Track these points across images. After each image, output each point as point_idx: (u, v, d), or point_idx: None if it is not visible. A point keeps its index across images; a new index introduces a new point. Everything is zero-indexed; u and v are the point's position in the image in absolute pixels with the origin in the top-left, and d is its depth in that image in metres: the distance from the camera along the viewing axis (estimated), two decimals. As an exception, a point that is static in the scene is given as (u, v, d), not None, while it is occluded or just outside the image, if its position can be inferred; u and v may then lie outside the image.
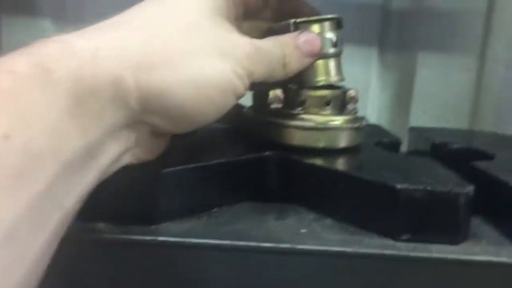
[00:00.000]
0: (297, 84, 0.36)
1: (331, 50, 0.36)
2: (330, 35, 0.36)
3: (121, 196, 0.29)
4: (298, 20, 0.35)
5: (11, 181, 0.20)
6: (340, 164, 0.34)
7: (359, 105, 0.36)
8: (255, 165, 0.34)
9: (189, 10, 0.29)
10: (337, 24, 0.36)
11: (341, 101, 0.37)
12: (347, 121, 0.36)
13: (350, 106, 0.37)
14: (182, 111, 0.27)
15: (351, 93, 0.37)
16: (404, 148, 0.49)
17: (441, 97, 0.67)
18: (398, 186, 0.29)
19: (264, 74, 0.31)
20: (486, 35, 0.65)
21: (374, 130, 0.45)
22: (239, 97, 0.30)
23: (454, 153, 0.42)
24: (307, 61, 0.34)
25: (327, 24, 0.36)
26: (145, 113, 0.26)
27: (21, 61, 0.22)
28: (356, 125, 0.36)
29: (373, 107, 0.70)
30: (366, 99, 0.69)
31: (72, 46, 0.24)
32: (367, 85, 0.69)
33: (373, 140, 0.41)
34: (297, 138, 0.35)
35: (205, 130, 0.39)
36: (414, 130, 0.48)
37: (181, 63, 0.27)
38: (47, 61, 0.22)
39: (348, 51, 0.65)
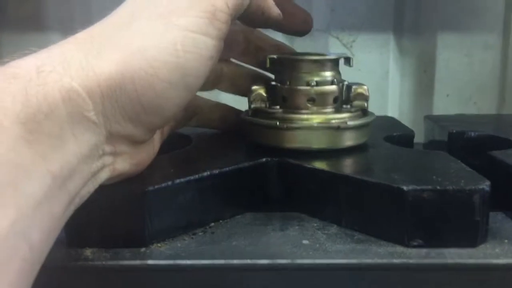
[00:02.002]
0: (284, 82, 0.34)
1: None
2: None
3: (106, 218, 0.27)
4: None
5: None
6: (344, 166, 0.32)
7: (378, 94, 0.34)
8: (253, 173, 0.32)
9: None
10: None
11: (344, 97, 0.35)
12: (350, 118, 0.34)
13: (356, 103, 0.34)
14: (140, 107, 0.24)
15: (358, 89, 0.34)
16: (421, 138, 0.46)
17: (465, 78, 0.65)
18: (405, 187, 0.27)
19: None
20: (508, 11, 0.63)
21: (386, 123, 0.42)
22: (212, 55, 0.25)
23: (472, 142, 0.39)
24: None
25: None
26: (108, 123, 0.24)
27: None
28: (361, 121, 0.34)
29: (394, 95, 0.68)
30: (386, 87, 0.67)
31: (15, 69, 0.22)
32: (385, 72, 0.66)
33: (383, 135, 0.38)
34: (297, 140, 0.33)
35: (200, 138, 0.37)
36: (429, 119, 0.45)
37: (125, 53, 0.24)
38: None
39: (363, 39, 0.66)
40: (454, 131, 0.39)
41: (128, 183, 0.27)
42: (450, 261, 0.26)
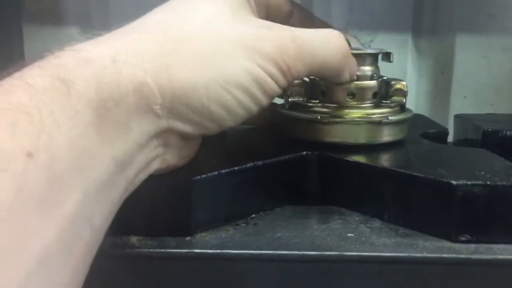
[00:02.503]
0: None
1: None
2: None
3: (153, 207, 0.27)
4: None
5: (38, 204, 0.18)
6: (386, 160, 0.32)
7: None
8: (293, 166, 0.32)
9: (207, 9, 0.26)
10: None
11: (383, 92, 0.35)
12: (390, 114, 0.33)
13: (395, 98, 0.34)
14: (208, 113, 0.25)
15: (396, 84, 0.34)
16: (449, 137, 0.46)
17: (482, 80, 0.64)
18: (455, 182, 0.26)
19: (311, 69, 0.28)
20: None
21: (419, 120, 0.42)
22: (273, 95, 0.27)
23: (507, 140, 0.39)
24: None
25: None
26: (171, 119, 0.24)
27: (35, 74, 0.20)
28: (401, 117, 0.33)
29: (411, 95, 0.63)
30: None
31: (88, 54, 0.22)
32: (402, 72, 0.66)
33: (418, 132, 0.38)
34: (337, 135, 0.33)
35: (235, 131, 0.37)
36: (460, 118, 0.45)
37: (202, 63, 0.24)
38: (63, 72, 0.20)
39: (381, 39, 0.65)
40: (489, 129, 0.39)
41: (174, 173, 0.27)
42: (499, 257, 0.26)
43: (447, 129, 0.41)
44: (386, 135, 0.33)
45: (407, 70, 0.66)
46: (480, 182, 0.26)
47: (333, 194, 0.32)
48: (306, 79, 0.35)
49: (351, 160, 0.31)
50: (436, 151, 0.33)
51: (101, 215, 0.21)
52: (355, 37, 0.65)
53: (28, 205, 0.18)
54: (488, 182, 0.26)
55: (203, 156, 0.30)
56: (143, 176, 0.25)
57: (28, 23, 0.64)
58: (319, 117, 0.33)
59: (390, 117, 0.33)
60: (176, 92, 0.24)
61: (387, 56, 0.35)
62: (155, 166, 0.25)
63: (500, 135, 0.39)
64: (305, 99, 0.35)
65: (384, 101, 0.34)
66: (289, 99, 0.35)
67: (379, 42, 0.64)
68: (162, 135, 0.25)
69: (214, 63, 0.25)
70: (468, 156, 0.32)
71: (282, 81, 0.27)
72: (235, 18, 0.27)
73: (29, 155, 0.18)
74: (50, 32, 0.64)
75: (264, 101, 0.27)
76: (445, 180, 0.27)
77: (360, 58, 0.34)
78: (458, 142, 0.44)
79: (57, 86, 0.20)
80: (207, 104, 0.25)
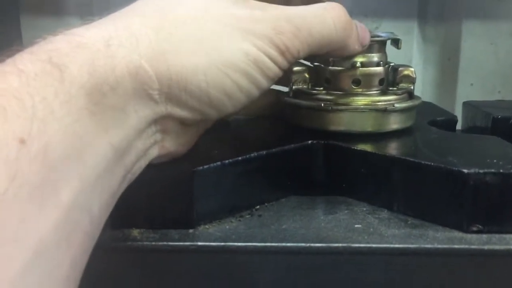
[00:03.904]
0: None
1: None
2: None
3: (155, 198, 0.26)
4: None
5: (33, 193, 0.17)
6: (393, 148, 0.31)
7: None
8: (299, 156, 0.31)
9: None
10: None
11: (390, 79, 0.33)
12: (397, 101, 0.32)
13: (402, 85, 0.33)
14: (207, 99, 0.24)
15: (404, 71, 0.33)
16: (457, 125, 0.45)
17: (489, 67, 0.64)
18: (466, 170, 0.26)
19: (310, 46, 0.27)
20: None
21: (427, 107, 0.41)
22: (273, 77, 0.26)
23: (519, 127, 0.38)
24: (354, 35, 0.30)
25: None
26: (169, 104, 0.24)
27: (27, 59, 0.19)
28: (408, 104, 0.32)
29: (417, 83, 0.64)
30: None
31: (81, 38, 0.21)
32: (408, 59, 0.65)
33: (426, 119, 0.37)
34: (342, 123, 0.32)
35: (239, 121, 0.36)
36: (469, 105, 0.44)
37: (200, 47, 0.24)
38: (54, 57, 0.20)
39: (387, 25, 0.65)
40: (499, 116, 0.38)
41: (176, 164, 0.26)
42: (513, 247, 0.25)
43: (455, 116, 0.40)
44: (393, 123, 0.32)
45: (412, 57, 0.66)
46: (492, 170, 0.25)
47: (340, 184, 0.31)
48: (310, 64, 0.34)
49: (358, 148, 0.30)
50: (445, 139, 0.32)
51: (100, 204, 0.20)
52: None
53: (22, 193, 0.17)
54: (501, 170, 0.25)
55: (206, 146, 0.30)
56: (142, 163, 0.24)
57: (26, 14, 0.63)
58: (322, 105, 0.32)
59: (396, 105, 0.32)
60: (174, 78, 0.23)
61: (395, 43, 0.34)
62: (154, 153, 0.25)
63: (510, 122, 0.38)
64: (309, 87, 0.34)
65: (391, 88, 0.33)
66: (293, 87, 0.34)
67: (384, 29, 0.64)
68: (160, 121, 0.24)
69: (212, 47, 0.24)
70: (479, 144, 0.31)
71: (282, 62, 0.26)
72: (230, 1, 0.26)
73: (22, 141, 0.17)
74: (49, 22, 0.63)
75: (265, 83, 0.26)
76: (456, 168, 0.26)
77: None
78: (467, 130, 0.43)
79: (49, 70, 0.19)
80: (206, 89, 0.24)
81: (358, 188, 0.30)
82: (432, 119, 0.38)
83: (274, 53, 0.26)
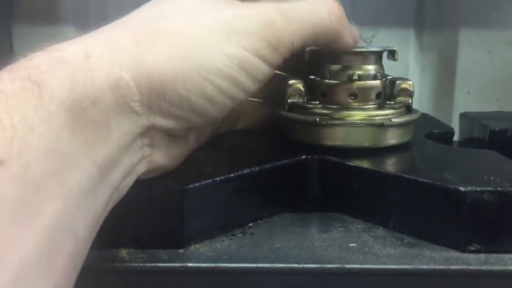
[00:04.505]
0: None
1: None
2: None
3: (143, 217, 0.25)
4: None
5: (13, 215, 0.17)
6: (390, 164, 0.30)
7: None
8: (293, 171, 0.30)
9: (186, 1, 0.25)
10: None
11: (387, 93, 0.33)
12: (394, 115, 0.32)
13: (400, 99, 0.32)
14: (188, 105, 0.24)
15: (402, 84, 0.32)
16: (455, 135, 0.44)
17: (487, 75, 0.63)
18: (463, 188, 0.25)
19: (303, 38, 0.26)
20: None
21: (423, 119, 0.40)
22: (262, 79, 0.26)
23: (517, 140, 0.37)
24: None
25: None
26: (151, 115, 0.23)
27: (5, 78, 0.19)
28: (405, 119, 0.32)
29: (414, 91, 0.66)
30: None
31: (60, 54, 0.21)
32: (405, 68, 0.64)
33: (423, 132, 0.36)
34: (338, 138, 0.31)
35: (232, 135, 0.36)
36: (466, 116, 0.43)
37: (180, 55, 0.23)
38: (34, 74, 0.19)
39: (383, 34, 0.64)
40: (496, 128, 0.38)
41: (165, 181, 0.26)
42: (511, 268, 0.24)
43: (452, 129, 0.39)
44: (390, 138, 0.32)
45: (409, 66, 0.65)
46: (490, 188, 0.25)
47: (335, 200, 0.30)
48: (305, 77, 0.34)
49: (353, 164, 0.29)
50: (442, 153, 0.32)
51: (84, 224, 0.20)
52: None
53: (2, 215, 0.16)
54: (499, 188, 0.25)
55: (197, 162, 0.29)
56: (130, 180, 0.23)
57: (20, 22, 0.62)
58: (318, 119, 0.31)
59: (393, 119, 0.31)
60: (153, 86, 0.22)
61: (391, 54, 0.33)
62: (142, 168, 0.24)
63: (508, 134, 0.37)
64: (305, 100, 0.33)
65: (389, 102, 0.33)
66: (288, 100, 0.33)
67: (380, 38, 0.64)
68: (147, 134, 0.23)
69: (193, 53, 0.23)
70: (476, 159, 0.31)
71: (275, 57, 0.25)
72: (216, 4, 0.25)
73: (1, 162, 0.17)
74: (44, 31, 0.62)
75: (251, 86, 0.25)
76: (453, 186, 0.25)
77: (363, 56, 0.32)
78: (464, 142, 0.43)
79: (28, 87, 0.19)
80: (186, 96, 0.23)
81: (353, 205, 0.30)
82: (428, 131, 0.37)
83: (266, 50, 0.25)
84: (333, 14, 0.28)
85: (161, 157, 0.25)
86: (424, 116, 0.43)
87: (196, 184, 0.26)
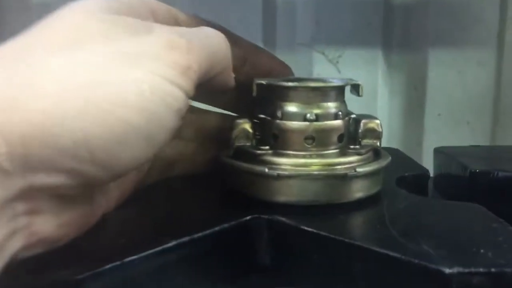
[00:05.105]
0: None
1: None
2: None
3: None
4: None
5: None
6: (356, 226, 0.25)
7: (366, 113, 0.29)
8: (235, 238, 0.24)
9: (69, 17, 0.20)
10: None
11: (351, 134, 0.27)
12: (360, 163, 0.26)
13: (366, 142, 0.27)
14: (86, 152, 0.18)
15: (368, 123, 0.27)
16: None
17: (457, 97, 0.62)
18: (448, 270, 0.19)
19: (208, 58, 0.23)
20: (503, 25, 0.59)
21: (393, 157, 0.35)
22: (179, 108, 0.21)
23: (500, 183, 0.32)
24: None
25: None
26: (29, 172, 0.17)
27: None
28: (374, 167, 0.26)
29: (383, 113, 0.64)
30: (374, 106, 0.63)
31: None
32: (373, 89, 0.63)
33: (394, 176, 0.31)
34: (291, 192, 0.25)
35: (162, 185, 0.29)
36: (441, 153, 0.38)
37: (66, 90, 0.18)
38: None
39: (350, 54, 0.61)
40: (478, 170, 0.33)
41: (56, 267, 0.19)
42: None
43: (427, 171, 0.34)
44: (356, 191, 0.26)
45: (378, 87, 0.63)
46: (481, 270, 0.19)
47: (287, 272, 0.24)
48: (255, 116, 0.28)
49: (309, 230, 0.23)
50: (417, 210, 0.26)
51: None
52: (322, 53, 0.62)
53: None
54: (492, 269, 0.19)
55: (109, 231, 0.22)
56: None
57: None
58: (266, 170, 0.25)
59: (359, 169, 0.25)
60: (29, 132, 0.17)
61: (355, 89, 0.28)
62: (16, 245, 0.18)
63: (491, 176, 0.32)
64: (254, 144, 0.27)
65: (352, 147, 0.27)
66: (234, 144, 0.27)
67: (347, 58, 0.62)
68: (22, 197, 0.18)
69: (90, 81, 0.18)
70: (458, 218, 0.25)
71: (187, 82, 0.21)
72: (109, 22, 0.21)
73: None
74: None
75: (170, 118, 0.20)
76: (435, 266, 0.19)
77: (321, 92, 0.27)
78: (440, 181, 0.38)
79: None
80: (83, 138, 0.18)
81: (310, 278, 0.24)
82: (400, 175, 0.32)
83: (175, 74, 0.20)
84: (225, 42, 0.25)
85: (47, 226, 0.19)
86: (394, 152, 0.37)
87: (98, 270, 0.19)
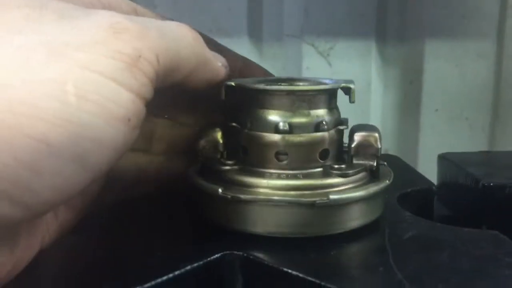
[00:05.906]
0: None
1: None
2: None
3: None
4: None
5: None
6: (352, 269, 0.20)
7: (359, 108, 0.25)
8: (203, 277, 0.19)
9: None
10: None
11: (340, 149, 0.23)
12: (349, 186, 0.21)
13: (359, 160, 0.22)
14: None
15: (363, 138, 0.22)
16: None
17: (455, 91, 0.61)
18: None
19: (168, 51, 0.18)
20: (503, 14, 0.58)
21: (392, 166, 0.30)
22: (130, 116, 0.16)
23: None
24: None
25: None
26: None
27: None
28: (365, 192, 0.21)
29: (376, 109, 0.63)
30: (368, 101, 0.62)
31: None
32: (367, 84, 0.61)
33: (396, 193, 0.26)
34: (269, 223, 0.21)
35: (119, 208, 0.24)
36: (447, 160, 0.33)
37: None
38: None
39: (342, 46, 0.58)
40: (492, 184, 0.28)
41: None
42: None
43: (432, 185, 0.29)
44: (347, 221, 0.21)
45: (371, 81, 0.62)
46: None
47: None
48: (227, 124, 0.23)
49: (293, 272, 0.19)
50: (426, 241, 0.21)
51: None
52: (312, 45, 0.59)
53: None
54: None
55: (45, 274, 0.18)
56: None
57: None
58: (220, 191, 0.20)
59: (332, 196, 0.20)
60: None
61: (346, 93, 0.22)
62: None
63: (506, 191, 0.28)
64: (223, 156, 0.23)
65: (338, 166, 0.22)
66: (200, 156, 0.23)
67: (339, 50, 0.60)
68: None
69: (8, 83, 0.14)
70: (480, 256, 0.20)
71: (137, 79, 0.16)
72: (31, 13, 0.16)
73: None
74: None
75: (111, 133, 0.15)
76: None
77: (298, 97, 0.21)
78: (446, 191, 0.33)
79: None
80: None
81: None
82: (403, 191, 0.27)
83: (117, 66, 0.15)
84: (192, 34, 0.20)
85: None
86: (392, 161, 0.33)
87: None
